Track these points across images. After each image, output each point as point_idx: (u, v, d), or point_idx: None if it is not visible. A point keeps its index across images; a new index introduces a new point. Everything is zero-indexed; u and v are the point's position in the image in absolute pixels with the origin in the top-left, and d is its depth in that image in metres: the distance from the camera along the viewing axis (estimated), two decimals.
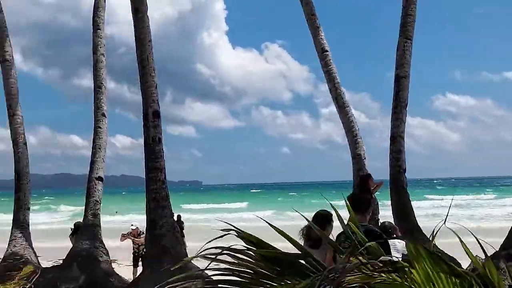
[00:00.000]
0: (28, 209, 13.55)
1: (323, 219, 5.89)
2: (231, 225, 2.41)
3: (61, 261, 16.22)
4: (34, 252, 13.06)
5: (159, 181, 11.03)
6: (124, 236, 14.78)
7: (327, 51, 12.91)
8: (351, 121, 12.58)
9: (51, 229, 31.37)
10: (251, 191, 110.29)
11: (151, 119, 10.99)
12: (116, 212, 43.81)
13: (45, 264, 14.18)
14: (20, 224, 13.22)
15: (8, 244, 12.94)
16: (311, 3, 13.12)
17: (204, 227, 32.25)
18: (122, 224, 28.90)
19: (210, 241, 2.32)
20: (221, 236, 2.34)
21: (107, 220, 25.08)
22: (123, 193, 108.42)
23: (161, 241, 10.93)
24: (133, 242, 14.91)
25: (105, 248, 12.60)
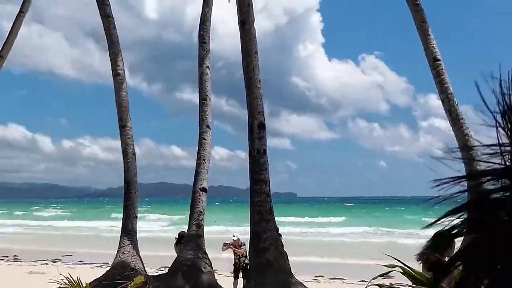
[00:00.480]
0: (136, 217, 13.97)
1: (444, 240, 5.38)
2: (397, 260, 2.10)
3: (161, 269, 16.61)
4: (141, 260, 13.42)
5: (263, 193, 10.91)
6: (225, 245, 14.80)
7: (439, 60, 12.18)
8: (465, 134, 11.73)
9: (147, 237, 32.54)
10: (347, 204, 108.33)
11: (256, 130, 10.93)
12: (215, 222, 44.48)
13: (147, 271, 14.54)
14: (128, 232, 13.64)
15: (117, 251, 13.39)
16: (422, 10, 12.47)
17: (299, 240, 31.90)
18: (219, 234, 29.29)
19: (374, 278, 2.03)
20: (387, 273, 2.05)
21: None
22: (217, 203, 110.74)
23: (264, 255, 10.78)
24: (234, 253, 14.91)
25: (209, 259, 12.68)
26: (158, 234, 36.69)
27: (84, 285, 8.86)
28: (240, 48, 11.26)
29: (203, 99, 13.91)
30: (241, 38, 11.26)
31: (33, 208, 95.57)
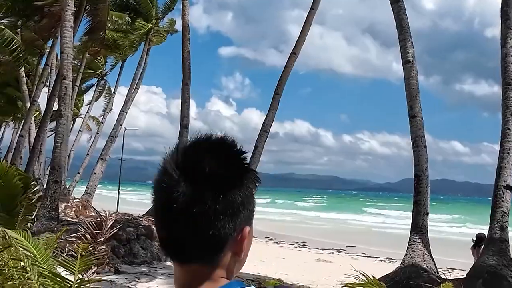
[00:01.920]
0: (427, 214, 12.96)
1: None
2: None
3: (448, 271, 15.30)
4: (433, 260, 12.42)
5: None
6: None
7: None
8: None
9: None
10: None
11: None
12: None
13: None
14: (419, 229, 12.78)
15: (407, 249, 12.67)
16: None
17: None
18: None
19: None
20: None
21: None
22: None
23: None
24: None
25: None
26: (435, 235, 34.69)
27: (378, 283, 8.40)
28: None
29: (507, 84, 12.11)
30: None
31: (303, 197, 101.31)
